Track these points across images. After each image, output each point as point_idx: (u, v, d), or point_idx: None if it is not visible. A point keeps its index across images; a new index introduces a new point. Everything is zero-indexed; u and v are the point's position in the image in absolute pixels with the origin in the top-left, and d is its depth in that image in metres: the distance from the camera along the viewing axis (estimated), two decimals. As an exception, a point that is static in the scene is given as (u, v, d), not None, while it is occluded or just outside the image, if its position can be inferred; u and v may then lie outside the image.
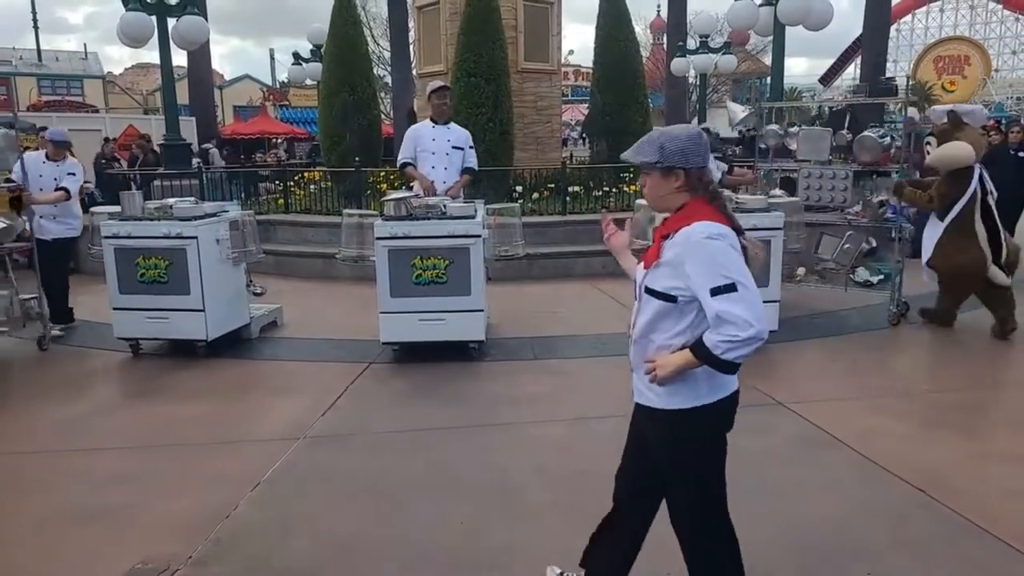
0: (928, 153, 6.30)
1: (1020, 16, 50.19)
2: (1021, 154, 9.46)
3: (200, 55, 16.65)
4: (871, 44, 18.03)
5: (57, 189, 6.52)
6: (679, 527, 2.33)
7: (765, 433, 4.22)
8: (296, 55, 16.47)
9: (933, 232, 6.26)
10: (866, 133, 6.91)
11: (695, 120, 17.78)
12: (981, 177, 6.12)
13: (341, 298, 7.84)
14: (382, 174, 10.86)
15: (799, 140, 7.10)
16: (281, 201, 10.81)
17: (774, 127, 7.49)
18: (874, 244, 7.71)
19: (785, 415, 4.48)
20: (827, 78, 51.84)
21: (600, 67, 12.42)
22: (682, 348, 2.11)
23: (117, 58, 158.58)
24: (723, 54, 18.03)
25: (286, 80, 31.67)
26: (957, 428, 4.29)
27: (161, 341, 6.01)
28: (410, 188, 6.67)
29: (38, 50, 36.61)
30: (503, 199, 8.40)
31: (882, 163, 6.89)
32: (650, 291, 2.16)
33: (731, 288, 1.98)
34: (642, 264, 2.24)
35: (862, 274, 7.14)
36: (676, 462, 2.25)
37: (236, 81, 40.30)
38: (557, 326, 6.59)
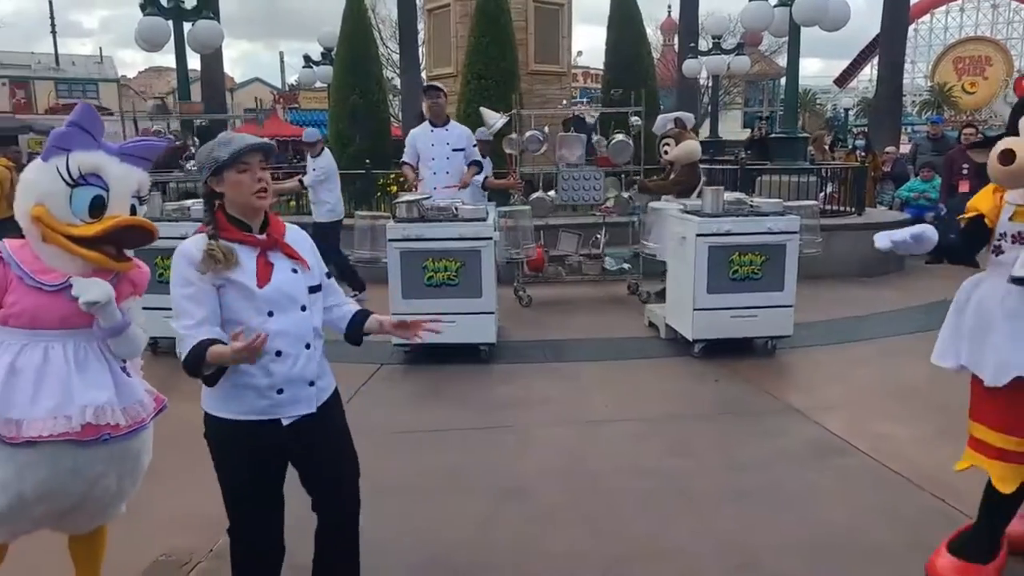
0: (666, 152, 7.20)
1: (1042, 16, 49.61)
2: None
3: (213, 58, 16.73)
4: (889, 44, 17.74)
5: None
6: None
7: (779, 437, 4.20)
8: (307, 58, 16.54)
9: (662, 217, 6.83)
10: (620, 138, 7.74)
11: (707, 122, 17.63)
12: None
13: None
14: (392, 176, 10.88)
15: (558, 144, 7.73)
16: (292, 203, 10.84)
17: (535, 132, 7.65)
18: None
19: (799, 420, 4.44)
20: (842, 80, 51.44)
21: (610, 69, 12.38)
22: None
23: (130, 62, 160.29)
24: (736, 55, 17.85)
25: (296, 83, 31.79)
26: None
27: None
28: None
29: (55, 54, 37.05)
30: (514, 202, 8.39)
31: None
32: (316, 288, 2.40)
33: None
34: (287, 273, 2.33)
35: (609, 263, 8.18)
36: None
37: (246, 84, 40.56)
38: (567, 329, 6.57)
